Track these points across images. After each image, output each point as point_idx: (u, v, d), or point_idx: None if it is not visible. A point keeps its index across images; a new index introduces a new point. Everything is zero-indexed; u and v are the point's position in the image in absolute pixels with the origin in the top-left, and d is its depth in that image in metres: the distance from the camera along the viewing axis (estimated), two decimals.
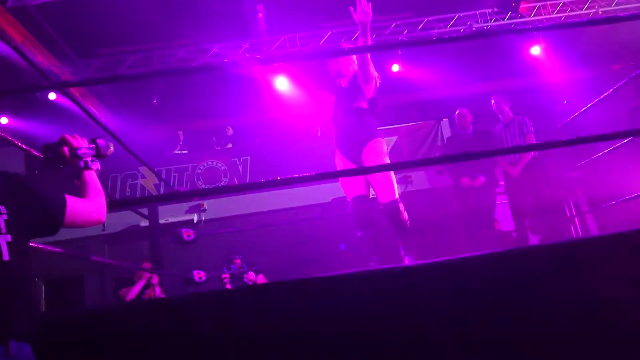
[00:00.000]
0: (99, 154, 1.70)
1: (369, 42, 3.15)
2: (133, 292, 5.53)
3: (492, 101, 5.13)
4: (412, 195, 6.84)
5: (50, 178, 1.57)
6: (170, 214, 7.06)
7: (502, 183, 5.09)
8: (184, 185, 7.61)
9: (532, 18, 7.57)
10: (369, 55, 3.17)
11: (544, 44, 7.65)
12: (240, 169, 8.11)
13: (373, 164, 3.23)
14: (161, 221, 5.98)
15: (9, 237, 1.27)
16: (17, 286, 1.28)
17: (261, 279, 5.68)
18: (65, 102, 6.97)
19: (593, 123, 5.68)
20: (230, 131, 8.73)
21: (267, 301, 1.78)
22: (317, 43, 7.50)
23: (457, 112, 5.18)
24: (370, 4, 3.06)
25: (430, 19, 7.52)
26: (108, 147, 1.74)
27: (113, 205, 3.16)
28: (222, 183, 7.54)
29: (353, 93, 3.36)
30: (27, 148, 2.59)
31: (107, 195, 1.65)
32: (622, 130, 2.41)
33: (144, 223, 6.69)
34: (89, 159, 1.66)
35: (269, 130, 8.92)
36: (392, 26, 7.49)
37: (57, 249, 2.70)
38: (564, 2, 7.50)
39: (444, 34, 7.38)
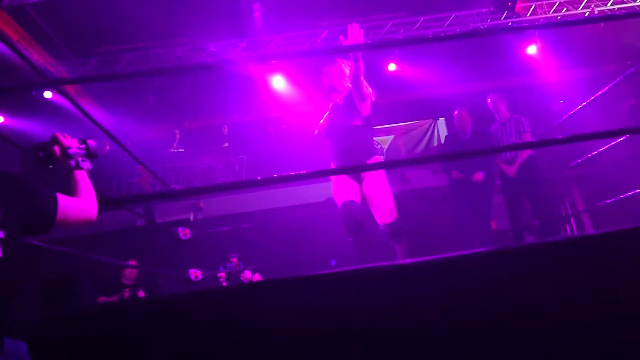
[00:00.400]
0: (89, 154, 1.72)
1: (362, 69, 3.14)
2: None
3: (489, 100, 5.13)
4: (409, 195, 6.86)
5: (42, 176, 1.57)
6: (166, 213, 7.06)
7: (497, 183, 5.09)
8: (180, 184, 7.61)
9: (528, 17, 7.59)
10: (362, 75, 3.16)
11: (539, 43, 7.68)
12: (237, 168, 8.12)
13: (374, 181, 3.21)
14: (157, 220, 5.98)
15: (1, 234, 1.28)
16: (11, 283, 1.29)
17: (257, 278, 5.68)
18: (62, 101, 6.94)
19: (589, 122, 5.71)
20: (226, 130, 8.74)
21: (261, 299, 1.78)
22: (313, 42, 7.50)
23: (456, 113, 5.11)
24: (362, 31, 3.05)
25: (426, 18, 7.53)
26: (99, 147, 1.76)
27: (111, 203, 3.15)
28: (219, 182, 7.54)
29: (349, 111, 3.34)
30: (23, 147, 2.58)
31: (104, 194, 1.66)
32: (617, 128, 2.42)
33: (141, 222, 6.69)
34: (79, 158, 1.68)
35: (265, 129, 8.93)
36: (389, 25, 7.50)
37: (54, 247, 2.70)
38: (559, 2, 7.52)
39: (440, 33, 7.38)
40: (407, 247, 3.32)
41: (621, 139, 4.03)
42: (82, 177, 1.65)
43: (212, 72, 7.48)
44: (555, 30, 7.53)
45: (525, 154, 4.77)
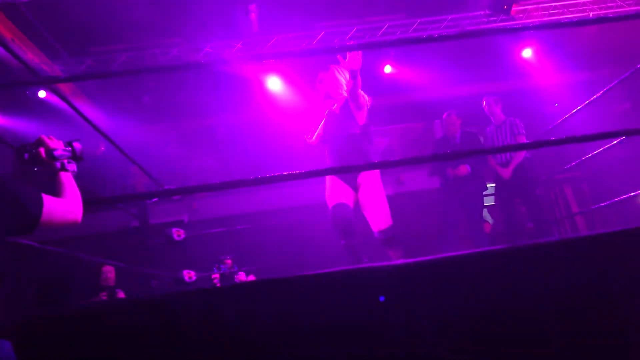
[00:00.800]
0: (75, 156, 1.73)
1: (359, 87, 3.14)
2: None
3: (484, 102, 5.13)
4: (404, 198, 6.86)
5: (27, 177, 1.56)
6: (161, 214, 7.03)
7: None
8: (175, 185, 7.58)
9: (524, 20, 7.61)
10: (359, 84, 3.16)
11: (535, 46, 7.72)
12: (232, 168, 8.10)
13: (370, 188, 3.21)
14: (152, 221, 5.96)
15: None
16: None
17: (252, 280, 5.66)
18: (56, 100, 6.91)
19: (584, 125, 5.72)
20: (221, 130, 8.73)
21: (253, 299, 1.77)
22: (310, 43, 7.49)
23: (445, 116, 5.06)
24: (361, 52, 3.06)
25: (422, 20, 7.54)
26: (85, 150, 1.76)
27: (101, 202, 3.13)
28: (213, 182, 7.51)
29: (346, 120, 3.34)
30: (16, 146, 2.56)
31: (97, 195, 1.65)
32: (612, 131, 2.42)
33: (135, 223, 6.66)
34: (65, 160, 1.68)
35: (261, 129, 8.91)
36: (385, 27, 7.50)
37: (47, 247, 2.68)
38: (555, 6, 7.54)
39: (435, 35, 7.38)
40: (402, 255, 3.30)
41: (615, 142, 4.04)
42: (67, 179, 1.65)
43: (207, 71, 7.47)
44: (550, 33, 7.55)
45: (520, 156, 4.78)
